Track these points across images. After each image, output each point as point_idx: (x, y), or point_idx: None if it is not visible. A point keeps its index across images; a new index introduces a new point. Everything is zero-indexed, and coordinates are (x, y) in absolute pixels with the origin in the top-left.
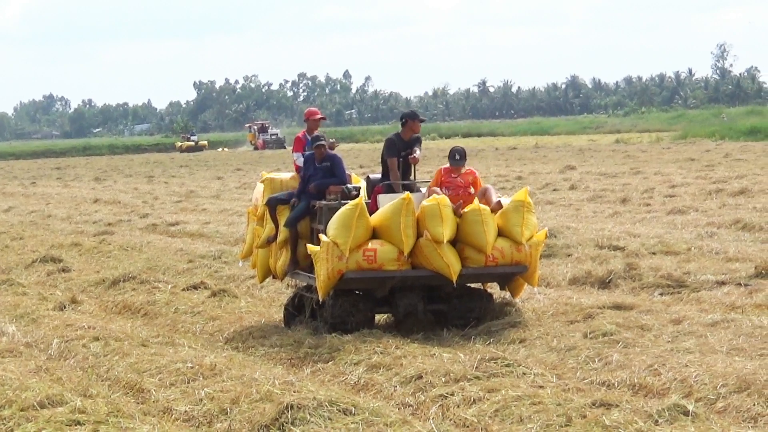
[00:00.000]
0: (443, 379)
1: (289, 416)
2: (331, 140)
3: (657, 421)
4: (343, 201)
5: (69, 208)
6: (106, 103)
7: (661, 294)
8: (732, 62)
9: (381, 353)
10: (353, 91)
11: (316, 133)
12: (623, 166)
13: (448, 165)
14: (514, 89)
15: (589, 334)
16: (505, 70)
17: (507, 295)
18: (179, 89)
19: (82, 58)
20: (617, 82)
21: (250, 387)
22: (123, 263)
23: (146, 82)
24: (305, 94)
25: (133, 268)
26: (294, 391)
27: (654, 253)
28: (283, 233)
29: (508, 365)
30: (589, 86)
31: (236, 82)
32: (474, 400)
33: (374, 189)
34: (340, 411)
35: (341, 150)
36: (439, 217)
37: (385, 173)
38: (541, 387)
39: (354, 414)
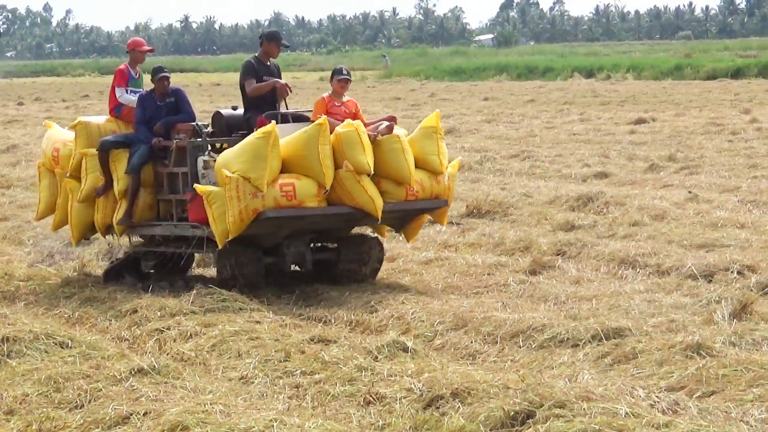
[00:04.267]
0: (159, 314)
1: (5, 349)
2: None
3: (377, 357)
4: (192, 140)
5: None
6: None
7: (373, 232)
8: (435, 2)
9: (93, 287)
10: (54, 24)
11: (157, 65)
12: None
13: (328, 94)
14: (216, 26)
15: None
16: (208, 5)
17: None
18: None
19: None
20: (320, 20)
21: None
22: None
23: None
24: (4, 26)
25: None
26: (8, 324)
27: None
28: (123, 181)
29: (224, 300)
30: (293, 24)
31: None
32: (191, 334)
33: (258, 120)
34: (56, 344)
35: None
36: (360, 145)
37: (251, 104)
38: (257, 322)
39: (71, 347)
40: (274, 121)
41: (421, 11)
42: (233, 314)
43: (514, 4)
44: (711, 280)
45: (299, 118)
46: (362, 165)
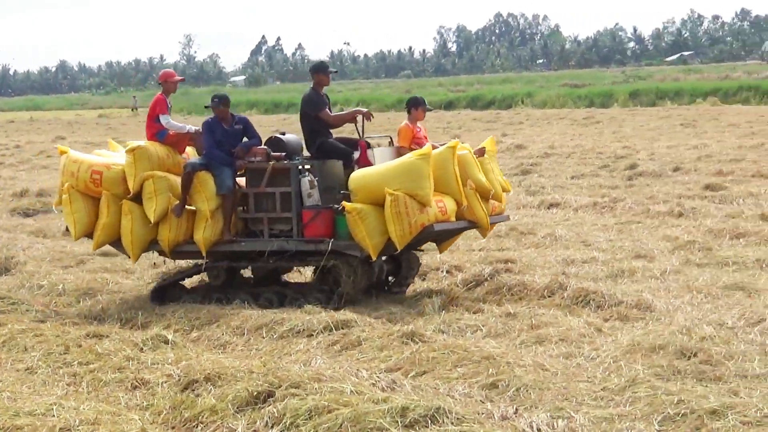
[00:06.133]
0: None
1: None
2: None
3: (142, 348)
4: (295, 161)
5: None
6: None
7: None
8: (196, 50)
9: None
10: None
11: (220, 94)
12: (106, 136)
13: (407, 122)
14: (11, 71)
15: (79, 278)
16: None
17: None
18: None
19: None
20: (99, 65)
21: None
22: None
23: None
24: None
25: None
26: None
27: None
28: (213, 201)
29: (13, 303)
30: (76, 69)
31: None
32: None
33: (359, 144)
34: None
35: None
36: (475, 166)
37: (317, 129)
38: (42, 321)
39: None
40: (430, 144)
41: (185, 57)
42: (21, 315)
43: (263, 50)
44: (425, 278)
45: (348, 143)
46: (481, 183)
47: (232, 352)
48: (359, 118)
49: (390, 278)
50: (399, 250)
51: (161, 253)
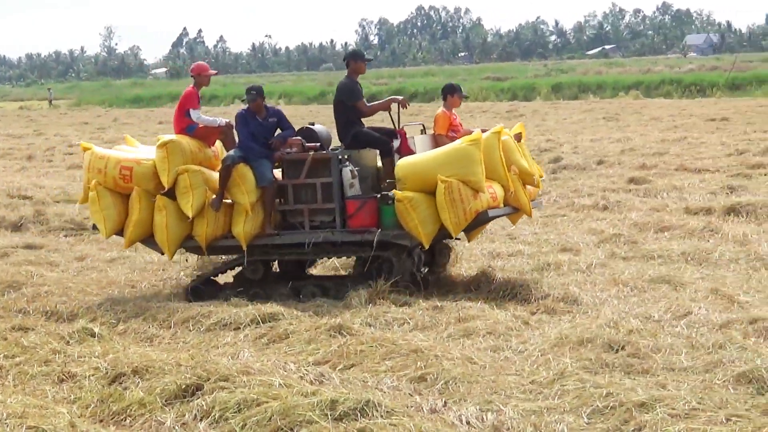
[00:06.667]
0: None
1: None
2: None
3: (68, 341)
4: (337, 152)
5: None
6: None
7: (66, 236)
8: (117, 42)
9: None
10: None
11: (255, 85)
12: (27, 128)
13: (443, 109)
14: None
15: (3, 271)
16: None
17: None
18: None
19: None
20: (19, 57)
21: None
22: None
23: None
24: None
25: None
26: None
27: (58, 202)
28: (253, 194)
29: None
30: None
31: None
32: None
33: (400, 133)
34: None
35: None
36: (517, 150)
37: (351, 119)
38: None
39: None
40: (479, 129)
41: (106, 49)
42: None
43: (184, 43)
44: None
45: (382, 132)
46: (526, 169)
47: (159, 345)
48: (394, 106)
49: (424, 268)
50: (454, 238)
51: (191, 249)
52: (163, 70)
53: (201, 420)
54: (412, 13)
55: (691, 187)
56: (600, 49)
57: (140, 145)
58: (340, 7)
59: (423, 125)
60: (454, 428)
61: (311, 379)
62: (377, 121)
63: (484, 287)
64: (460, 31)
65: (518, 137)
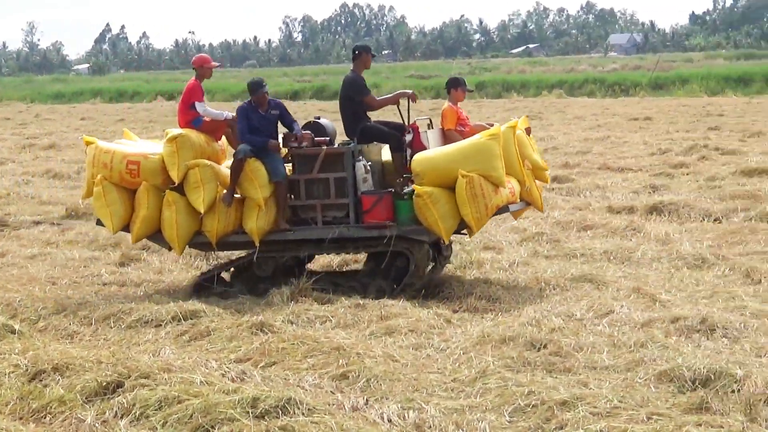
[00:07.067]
0: None
1: None
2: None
3: None
4: (350, 146)
5: None
6: None
7: None
8: (39, 38)
9: None
10: None
11: (257, 78)
12: None
13: (449, 103)
14: None
15: None
16: None
17: None
18: None
19: None
20: None
21: None
22: None
23: None
24: None
25: None
26: None
27: None
28: (266, 189)
29: None
30: None
31: None
32: None
33: (413, 127)
34: None
35: None
36: (529, 145)
37: (359, 114)
38: None
39: None
40: (497, 124)
41: (28, 44)
42: None
43: (107, 39)
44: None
45: (389, 126)
46: (539, 164)
47: (80, 342)
48: (403, 100)
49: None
50: (475, 233)
51: (199, 245)
52: (86, 66)
53: (122, 417)
54: (336, 10)
55: (614, 186)
56: (524, 47)
57: (139, 139)
58: (263, 5)
59: (430, 119)
60: (376, 426)
61: (233, 377)
62: (383, 115)
63: (407, 285)
64: (384, 29)
65: (528, 131)
